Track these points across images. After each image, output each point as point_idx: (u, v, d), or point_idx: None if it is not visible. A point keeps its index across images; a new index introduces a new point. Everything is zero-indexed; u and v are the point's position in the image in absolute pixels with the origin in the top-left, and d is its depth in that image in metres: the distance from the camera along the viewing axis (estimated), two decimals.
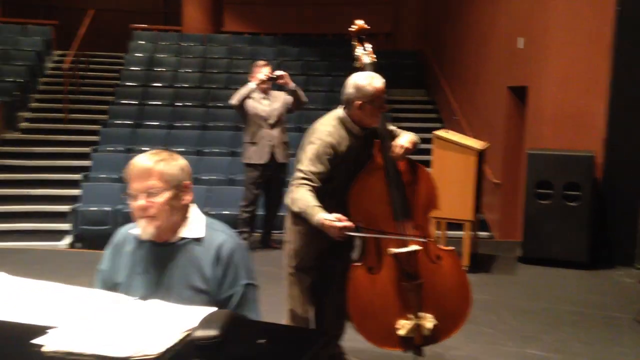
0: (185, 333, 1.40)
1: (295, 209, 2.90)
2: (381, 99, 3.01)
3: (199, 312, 1.46)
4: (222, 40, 12.89)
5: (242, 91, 5.73)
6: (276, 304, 3.94)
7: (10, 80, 10.27)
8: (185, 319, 1.46)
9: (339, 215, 2.73)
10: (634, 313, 4.51)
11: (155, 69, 11.25)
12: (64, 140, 9.63)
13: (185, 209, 2.01)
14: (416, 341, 3.11)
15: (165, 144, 8.84)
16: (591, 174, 5.56)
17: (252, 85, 5.72)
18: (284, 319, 3.40)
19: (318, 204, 2.82)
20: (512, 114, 7.41)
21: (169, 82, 10.82)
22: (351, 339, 3.45)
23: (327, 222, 2.72)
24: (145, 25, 13.51)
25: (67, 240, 7.43)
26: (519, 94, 7.14)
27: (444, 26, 10.90)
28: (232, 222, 6.75)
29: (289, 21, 13.87)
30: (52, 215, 8.16)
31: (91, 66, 11.92)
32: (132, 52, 11.89)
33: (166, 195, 1.93)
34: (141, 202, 1.91)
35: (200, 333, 1.35)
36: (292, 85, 5.72)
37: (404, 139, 3.08)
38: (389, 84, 3.09)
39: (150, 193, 1.91)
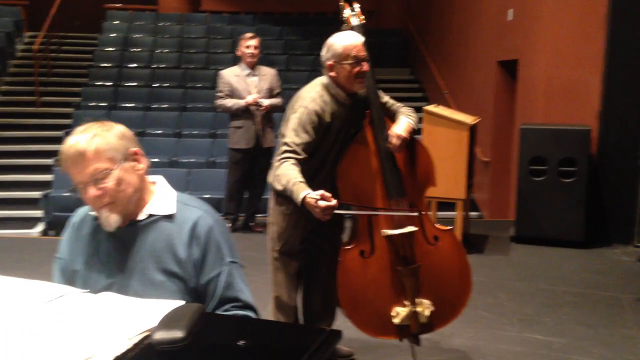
0: (143, 335, 1.11)
1: (278, 186, 2.61)
2: (354, 58, 2.72)
3: (161, 308, 1.16)
4: (200, 20, 12.50)
5: (231, 106, 5.44)
6: (259, 291, 3.68)
7: None
8: (143, 316, 1.16)
9: (322, 192, 2.41)
10: (634, 293, 4.31)
11: (131, 50, 10.84)
12: (35, 124, 9.24)
13: (142, 179, 1.73)
14: (412, 329, 2.87)
15: (142, 126, 8.51)
16: (587, 149, 5.34)
17: (241, 103, 5.40)
18: (268, 308, 3.14)
19: (302, 179, 2.52)
20: (502, 89, 7.17)
21: (145, 63, 10.43)
22: (341, 326, 3.20)
23: (310, 201, 2.41)
24: (120, 5, 13.05)
25: (40, 227, 7.10)
26: (509, 68, 6.89)
27: (429, 1, 10.60)
28: (214, 206, 6.46)
29: None
30: (24, 201, 7.81)
31: (63, 47, 11.47)
32: (106, 32, 11.44)
33: (116, 173, 1.63)
34: (92, 192, 1.62)
35: (161, 335, 1.05)
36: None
37: (400, 127, 2.79)
38: (372, 63, 2.81)
39: (96, 179, 1.61)
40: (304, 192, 2.45)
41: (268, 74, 5.61)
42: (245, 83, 5.49)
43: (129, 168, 1.66)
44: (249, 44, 5.50)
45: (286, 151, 2.67)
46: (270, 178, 3.04)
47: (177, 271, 1.65)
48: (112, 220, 1.64)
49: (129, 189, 1.65)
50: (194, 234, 1.67)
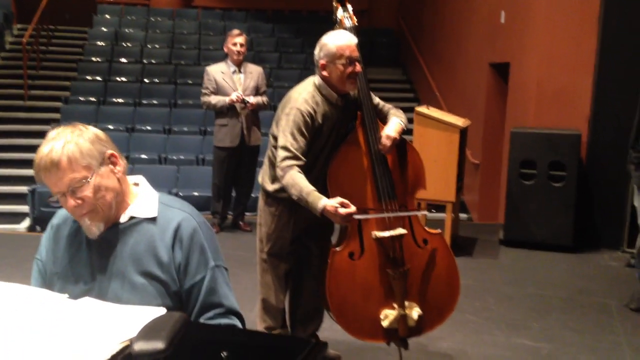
0: (122, 345, 1.07)
1: (270, 187, 2.61)
2: (347, 58, 2.70)
3: (142, 316, 1.13)
4: (191, 15, 12.43)
5: (216, 103, 5.37)
6: (247, 291, 3.65)
7: None
8: (123, 325, 1.12)
9: (341, 200, 2.52)
10: (622, 298, 4.31)
11: (122, 44, 10.75)
12: (24, 117, 9.15)
13: (122, 180, 1.68)
14: (400, 333, 2.85)
15: (131, 122, 8.44)
16: (577, 153, 5.34)
17: (226, 100, 5.34)
18: (255, 309, 3.11)
19: (313, 187, 2.59)
20: (493, 92, 7.16)
21: (135, 58, 10.34)
22: (328, 329, 3.18)
23: (331, 209, 2.50)
24: None
25: (27, 223, 7.02)
26: (501, 70, 6.89)
27: (421, 1, 10.58)
28: (203, 204, 6.45)
29: None
30: (12, 196, 7.73)
31: (53, 40, 11.36)
32: (97, 26, 11.35)
33: (93, 181, 1.57)
34: (70, 202, 1.57)
35: (141, 346, 1.02)
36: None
37: (391, 128, 2.78)
38: (363, 63, 2.79)
39: (74, 189, 1.56)
40: (321, 201, 2.53)
41: (255, 71, 5.55)
42: (231, 80, 5.43)
43: (106, 172, 1.61)
44: (236, 41, 5.44)
45: (287, 157, 2.64)
46: (260, 178, 3.01)
47: (158, 274, 1.61)
48: (94, 228, 1.61)
49: (108, 195, 1.60)
50: (177, 236, 1.63)
